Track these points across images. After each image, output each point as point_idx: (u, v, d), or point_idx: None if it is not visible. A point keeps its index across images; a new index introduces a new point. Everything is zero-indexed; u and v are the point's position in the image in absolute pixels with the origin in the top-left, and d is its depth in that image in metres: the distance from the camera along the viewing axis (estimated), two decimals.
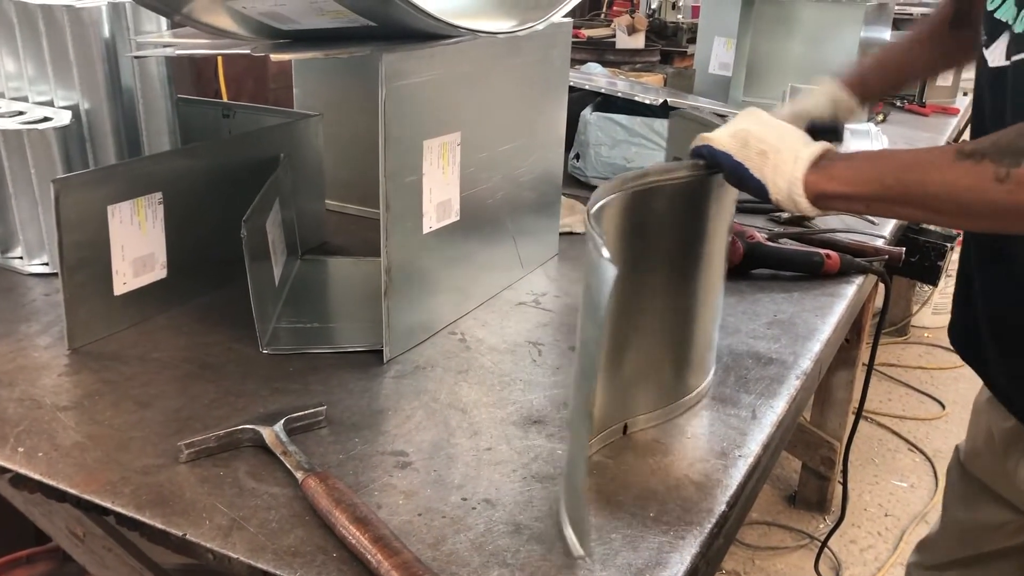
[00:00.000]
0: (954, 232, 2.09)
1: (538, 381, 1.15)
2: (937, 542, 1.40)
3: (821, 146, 0.97)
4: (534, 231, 1.50)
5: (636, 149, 1.94)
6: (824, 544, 2.06)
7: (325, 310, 1.40)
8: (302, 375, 1.15)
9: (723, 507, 0.91)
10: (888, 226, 1.79)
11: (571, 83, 1.80)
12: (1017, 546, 1.23)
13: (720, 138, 1.01)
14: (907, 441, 2.93)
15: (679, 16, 3.86)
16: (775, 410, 1.10)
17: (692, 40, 3.28)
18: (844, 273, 1.51)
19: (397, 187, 1.14)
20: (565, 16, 1.38)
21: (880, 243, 1.69)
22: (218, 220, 1.27)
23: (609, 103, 2.09)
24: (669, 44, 3.60)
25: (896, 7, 2.99)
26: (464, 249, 1.32)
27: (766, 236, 1.59)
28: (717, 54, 2.77)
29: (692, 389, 1.11)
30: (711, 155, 1.01)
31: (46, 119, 1.36)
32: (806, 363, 1.22)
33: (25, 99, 1.43)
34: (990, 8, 1.03)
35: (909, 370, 3.40)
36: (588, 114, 2.01)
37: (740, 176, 0.99)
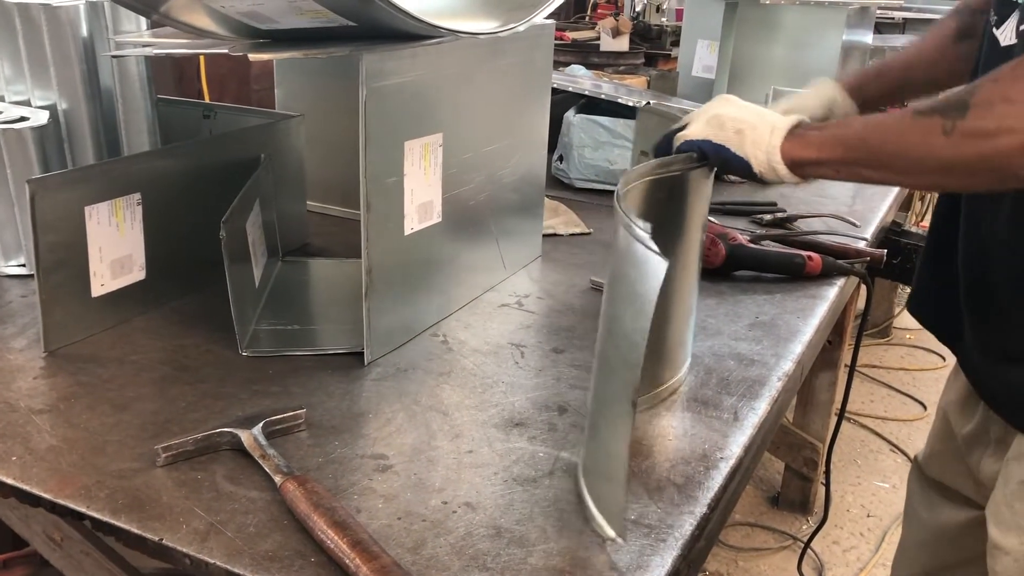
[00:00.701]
0: None
1: (520, 383, 1.15)
2: (906, 553, 1.41)
3: (796, 117, 1.02)
4: (517, 233, 1.50)
5: (619, 151, 1.94)
6: (807, 545, 2.07)
7: (306, 312, 1.39)
8: (282, 378, 1.14)
9: (705, 509, 0.91)
10: (870, 228, 1.80)
11: (554, 85, 1.80)
12: (982, 553, 1.20)
13: (695, 129, 1.06)
14: (889, 442, 2.95)
15: (663, 19, 3.87)
16: (757, 412, 1.10)
17: (676, 43, 3.29)
18: (826, 275, 1.52)
19: (378, 188, 1.13)
20: (548, 18, 1.37)
21: (862, 245, 1.70)
22: (198, 221, 1.26)
23: (592, 105, 2.08)
24: (653, 47, 3.60)
25: (878, 11, 3.01)
26: (446, 251, 1.31)
27: (748, 238, 1.60)
28: (700, 57, 2.77)
29: (664, 382, 1.12)
30: (692, 147, 1.05)
31: (23, 119, 1.34)
32: (788, 365, 1.22)
33: (1, 99, 1.41)
34: None
35: (891, 371, 3.42)
36: (571, 116, 2.01)
37: (723, 157, 1.03)
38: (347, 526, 0.81)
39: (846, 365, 2.25)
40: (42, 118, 1.35)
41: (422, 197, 1.22)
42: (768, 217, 1.80)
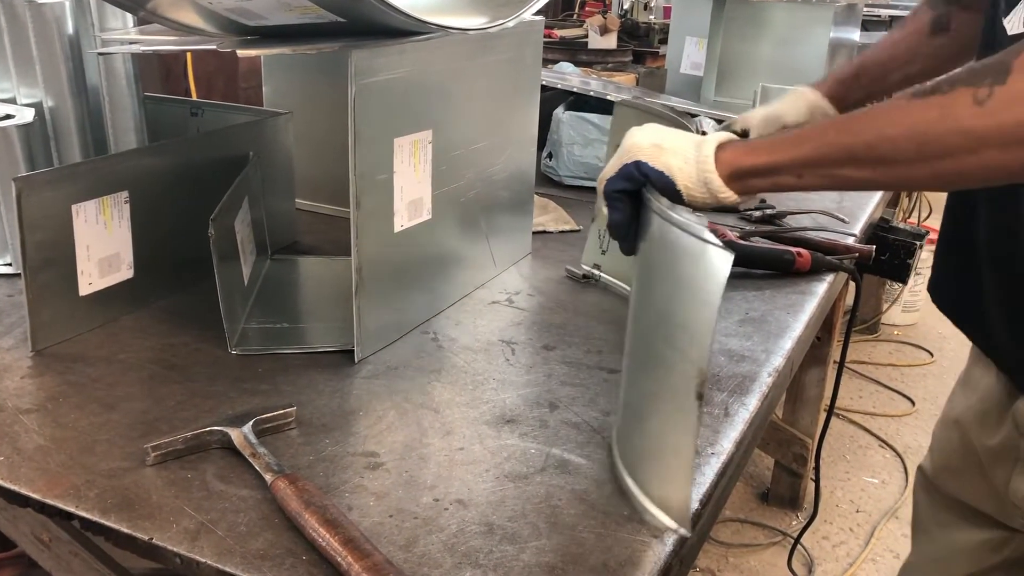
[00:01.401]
0: (923, 230, 2.11)
1: (511, 380, 1.15)
2: (917, 569, 1.31)
3: (726, 133, 0.88)
4: (507, 230, 1.50)
5: (608, 148, 1.94)
6: (797, 541, 2.08)
7: (295, 310, 1.38)
8: (272, 376, 1.13)
9: (696, 505, 0.91)
10: (858, 224, 1.81)
11: (543, 82, 1.80)
12: (998, 563, 1.15)
13: (611, 164, 0.91)
14: (878, 438, 2.96)
15: (651, 17, 3.88)
16: (747, 407, 1.10)
17: (664, 40, 3.30)
18: (815, 271, 1.52)
19: (367, 185, 1.13)
20: (536, 14, 1.37)
21: (850, 241, 1.70)
22: (186, 219, 1.25)
23: (581, 102, 2.09)
24: (641, 44, 3.61)
25: (865, 8, 3.02)
26: (436, 248, 1.31)
27: (738, 234, 1.60)
28: (688, 54, 2.78)
29: None
30: (614, 188, 0.89)
31: (8, 116, 1.33)
32: (778, 360, 1.23)
33: None
34: None
35: (880, 367, 3.43)
36: (561, 113, 2.01)
37: (644, 173, 0.87)
38: (338, 524, 0.81)
39: (835, 361, 2.26)
40: (28, 116, 1.34)
41: (412, 194, 1.22)
42: (757, 214, 1.80)
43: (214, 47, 1.13)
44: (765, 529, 2.49)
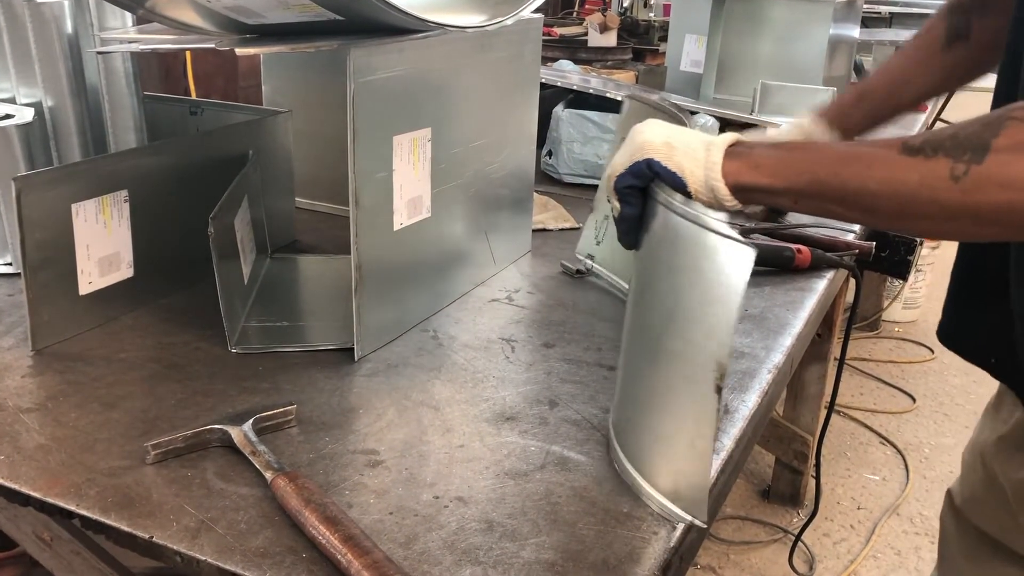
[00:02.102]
0: None
1: (511, 378, 1.15)
2: None
3: (733, 135, 0.87)
4: (507, 228, 1.50)
5: (608, 146, 1.94)
6: (798, 538, 2.08)
7: (295, 308, 1.38)
8: (272, 374, 1.13)
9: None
10: None
11: (543, 80, 1.79)
12: None
13: (619, 160, 0.90)
14: (879, 435, 2.96)
15: (651, 14, 3.87)
16: (747, 404, 1.10)
17: (664, 38, 3.30)
18: (815, 268, 1.52)
19: (367, 183, 1.13)
20: (535, 12, 1.37)
21: (851, 238, 1.70)
22: (186, 218, 1.26)
23: (581, 100, 2.09)
24: (641, 42, 3.61)
25: (865, 5, 3.02)
26: (436, 246, 1.31)
27: (737, 231, 1.60)
28: (688, 51, 2.78)
29: None
30: (625, 184, 0.89)
31: (8, 116, 1.33)
32: (778, 357, 1.23)
33: None
34: None
35: (880, 364, 3.43)
36: (560, 111, 2.01)
37: (656, 172, 0.86)
38: (339, 521, 0.81)
39: (835, 358, 2.26)
40: (27, 115, 1.34)
41: (411, 192, 1.22)
42: (758, 209, 1.80)
43: (213, 46, 1.13)
44: (766, 526, 2.49)
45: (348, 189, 1.10)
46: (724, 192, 0.83)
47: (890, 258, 1.97)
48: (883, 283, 3.62)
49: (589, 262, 1.48)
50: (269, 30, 1.18)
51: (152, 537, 0.83)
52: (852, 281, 1.58)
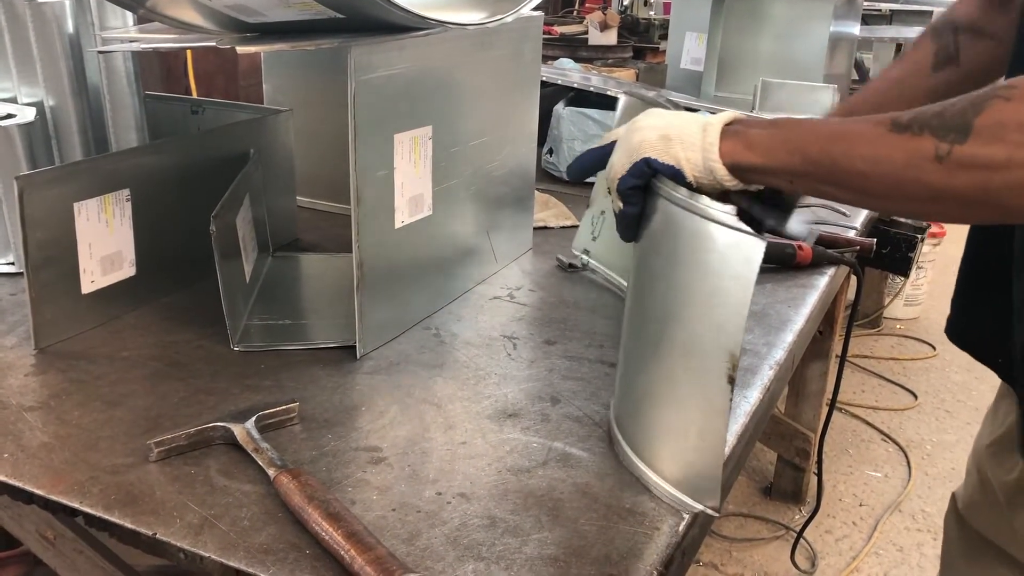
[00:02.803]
0: (924, 224, 2.11)
1: (513, 375, 1.15)
2: None
3: (731, 112, 0.86)
4: (508, 226, 1.50)
5: None
6: (800, 535, 2.08)
7: (297, 307, 1.39)
8: (274, 372, 1.14)
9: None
10: (860, 217, 1.81)
11: (543, 78, 1.80)
12: None
13: (617, 160, 0.89)
14: (880, 431, 2.96)
15: (651, 12, 3.88)
16: (749, 400, 1.10)
17: (664, 36, 3.30)
18: (816, 264, 1.52)
19: (368, 182, 1.13)
20: (535, 9, 1.37)
21: (852, 234, 1.70)
22: (188, 217, 1.26)
23: (582, 98, 2.09)
24: (641, 40, 3.61)
25: (865, 2, 3.02)
26: (437, 244, 1.31)
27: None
28: (688, 49, 2.78)
29: None
30: (626, 187, 0.88)
31: (9, 116, 1.33)
32: (779, 354, 1.23)
33: None
34: None
35: (882, 361, 3.43)
36: (561, 109, 2.01)
37: (654, 169, 0.86)
38: (342, 518, 0.81)
39: (837, 355, 2.26)
40: (29, 115, 1.34)
41: (412, 190, 1.22)
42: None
43: (213, 44, 1.13)
44: (768, 523, 2.49)
45: (349, 187, 1.11)
46: (723, 172, 0.82)
47: (891, 255, 1.97)
48: (884, 280, 3.62)
49: (585, 257, 1.49)
50: (270, 28, 1.18)
51: (156, 534, 0.83)
52: (853, 278, 1.59)
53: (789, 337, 1.28)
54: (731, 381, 0.81)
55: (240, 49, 1.06)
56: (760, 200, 0.89)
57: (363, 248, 1.14)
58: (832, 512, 2.55)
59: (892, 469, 2.78)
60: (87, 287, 1.21)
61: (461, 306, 1.35)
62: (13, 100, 1.39)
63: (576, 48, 3.28)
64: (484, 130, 1.36)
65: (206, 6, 1.12)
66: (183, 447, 0.95)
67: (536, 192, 1.64)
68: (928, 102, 1.07)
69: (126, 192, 1.24)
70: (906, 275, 2.14)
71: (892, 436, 2.93)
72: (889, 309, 3.71)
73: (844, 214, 1.81)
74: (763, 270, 1.55)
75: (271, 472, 0.89)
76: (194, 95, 2.37)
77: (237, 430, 0.96)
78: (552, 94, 2.06)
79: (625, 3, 4.15)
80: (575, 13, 4.20)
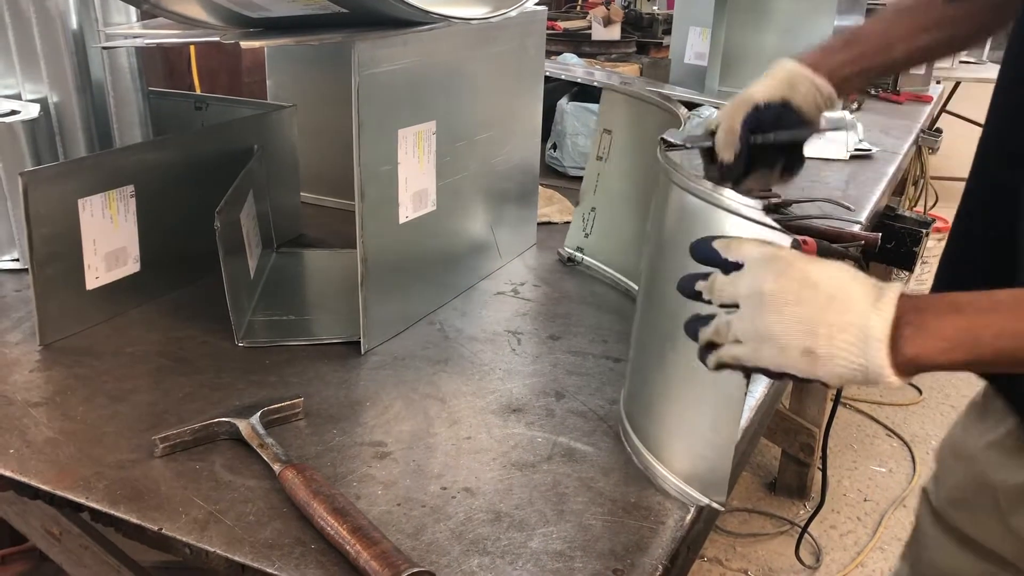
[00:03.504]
0: (929, 218, 2.11)
1: (517, 370, 1.15)
2: None
3: (892, 302, 0.70)
4: (512, 221, 1.50)
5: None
6: (804, 530, 2.08)
7: (302, 302, 1.39)
8: (278, 368, 1.14)
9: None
10: (864, 212, 1.80)
11: (547, 73, 1.79)
12: None
13: (745, 350, 0.73)
14: (885, 427, 2.96)
15: (655, 7, 3.86)
16: (754, 395, 1.10)
17: (667, 31, 3.29)
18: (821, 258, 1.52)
19: (372, 177, 1.13)
20: (538, 4, 1.37)
21: (856, 229, 1.70)
22: (192, 213, 1.26)
23: (585, 93, 2.08)
24: (645, 35, 3.60)
25: None
26: (441, 239, 1.31)
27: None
28: (692, 44, 2.77)
29: None
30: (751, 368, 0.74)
31: (14, 112, 1.33)
32: None
33: None
34: None
35: None
36: (565, 104, 2.01)
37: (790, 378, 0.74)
38: (347, 513, 0.81)
39: None
40: (33, 111, 1.34)
41: (416, 185, 1.22)
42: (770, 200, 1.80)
43: (217, 39, 1.13)
44: (773, 519, 2.49)
45: (353, 183, 1.10)
46: (889, 379, 0.69)
47: (896, 249, 1.97)
48: (889, 274, 3.60)
49: (579, 255, 1.49)
50: (273, 23, 1.18)
51: (161, 529, 0.84)
52: None
53: None
54: (747, 375, 0.80)
55: (244, 44, 1.06)
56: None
57: (367, 243, 1.14)
58: (836, 507, 2.55)
59: (896, 464, 2.77)
60: (91, 283, 1.21)
61: (465, 301, 1.35)
62: (17, 96, 1.39)
63: (580, 43, 3.26)
64: (488, 125, 1.36)
65: (210, 1, 1.12)
66: (188, 442, 0.95)
67: (540, 187, 1.64)
68: (940, 37, 1.03)
69: (130, 188, 1.24)
70: (910, 270, 2.13)
71: (896, 431, 2.93)
72: None
73: (849, 208, 1.80)
74: None
75: (276, 467, 0.89)
76: (198, 91, 2.37)
77: (242, 425, 0.96)
78: (556, 89, 2.06)
79: None
80: (578, 8, 4.19)
